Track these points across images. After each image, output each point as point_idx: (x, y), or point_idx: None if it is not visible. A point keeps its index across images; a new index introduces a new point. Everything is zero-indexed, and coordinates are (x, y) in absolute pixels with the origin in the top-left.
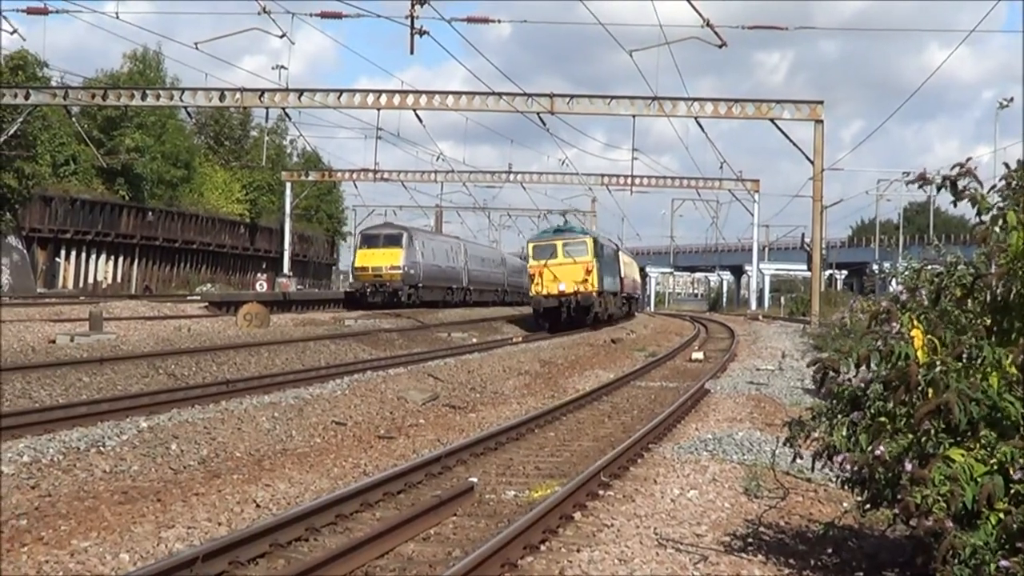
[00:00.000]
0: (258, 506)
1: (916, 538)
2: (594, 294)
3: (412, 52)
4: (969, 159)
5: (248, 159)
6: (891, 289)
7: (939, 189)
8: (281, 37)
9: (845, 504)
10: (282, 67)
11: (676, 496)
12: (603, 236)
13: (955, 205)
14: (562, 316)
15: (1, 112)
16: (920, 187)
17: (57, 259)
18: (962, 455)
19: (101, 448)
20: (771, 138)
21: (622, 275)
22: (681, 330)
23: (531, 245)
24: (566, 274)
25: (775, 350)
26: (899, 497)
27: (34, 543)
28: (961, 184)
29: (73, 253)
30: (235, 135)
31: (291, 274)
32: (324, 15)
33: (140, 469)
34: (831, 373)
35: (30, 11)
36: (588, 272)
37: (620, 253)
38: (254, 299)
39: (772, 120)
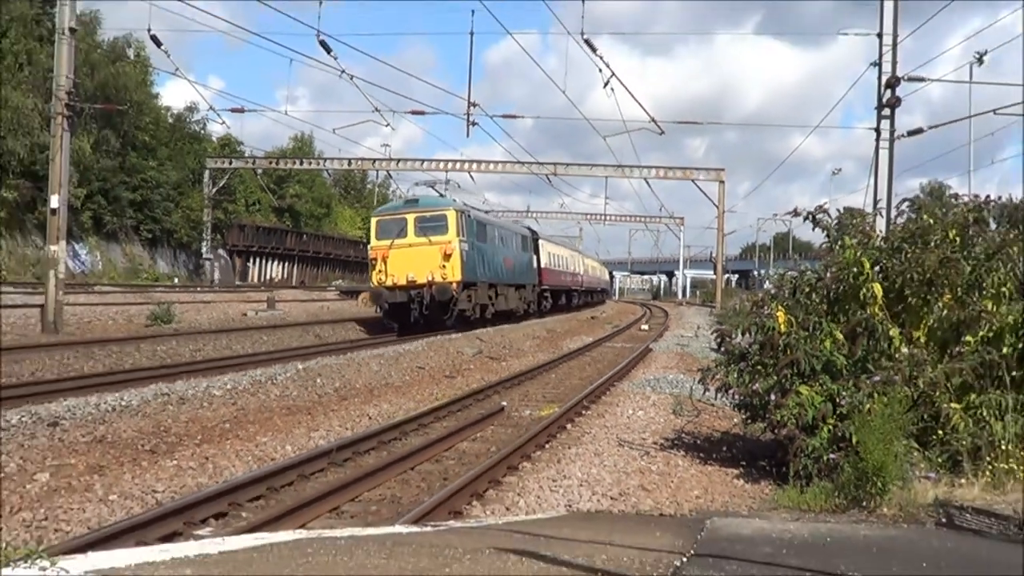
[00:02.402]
0: (370, 418)
1: (778, 441)
2: (453, 285)
3: (468, 136)
4: (826, 202)
5: (366, 202)
6: (765, 286)
7: (805, 220)
8: (386, 126)
9: (735, 420)
10: (387, 145)
11: (630, 415)
12: (486, 212)
13: (813, 230)
14: (412, 314)
15: (215, 173)
16: (793, 216)
17: (248, 264)
18: (807, 390)
19: (274, 380)
20: (693, 191)
21: (542, 266)
22: (634, 311)
23: (375, 220)
24: (418, 259)
25: (693, 324)
26: (768, 416)
27: (233, 439)
28: (818, 217)
29: (258, 260)
30: (358, 187)
31: None
32: (414, 112)
33: (298, 394)
34: (727, 338)
35: (233, 110)
36: (447, 256)
37: (543, 242)
38: (368, 290)
39: (693, 180)
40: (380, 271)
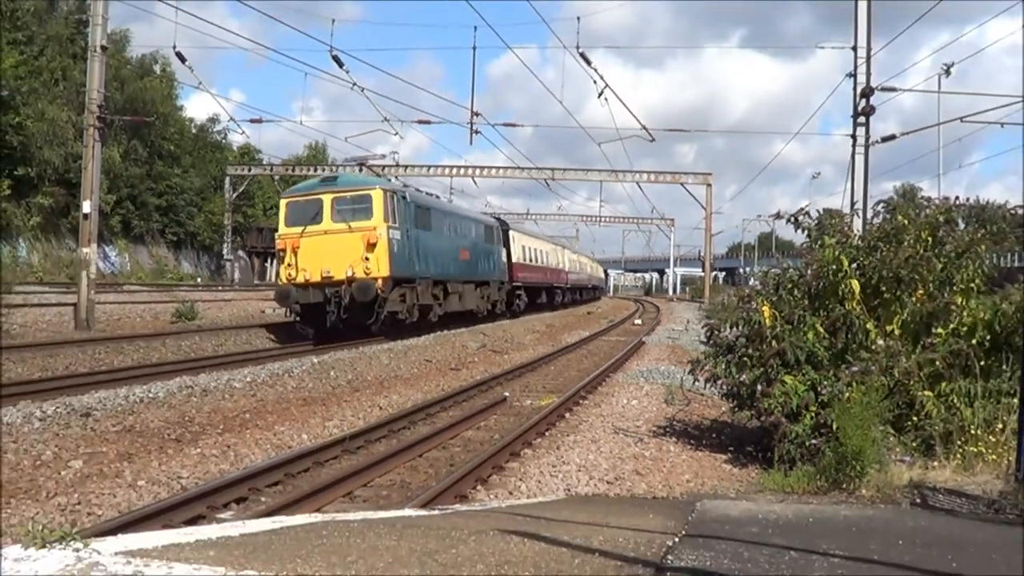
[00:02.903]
0: (381, 408)
1: (764, 428)
2: (379, 281)
3: (471, 143)
4: (808, 204)
5: None
6: (751, 283)
7: (787, 222)
8: (395, 135)
9: (723, 408)
10: (395, 152)
11: (624, 404)
12: (432, 195)
13: (795, 231)
14: (329, 318)
15: (235, 179)
16: (776, 219)
17: (266, 264)
18: (791, 379)
19: (291, 373)
20: (682, 194)
21: (514, 260)
22: (628, 306)
23: (284, 202)
24: (335, 249)
25: (683, 319)
26: (755, 404)
27: (253, 428)
28: (800, 219)
29: (275, 261)
30: None
31: None
32: (421, 122)
33: (313, 386)
34: (716, 331)
35: (252, 121)
36: (371, 246)
37: (515, 234)
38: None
39: (682, 184)
40: (289, 265)
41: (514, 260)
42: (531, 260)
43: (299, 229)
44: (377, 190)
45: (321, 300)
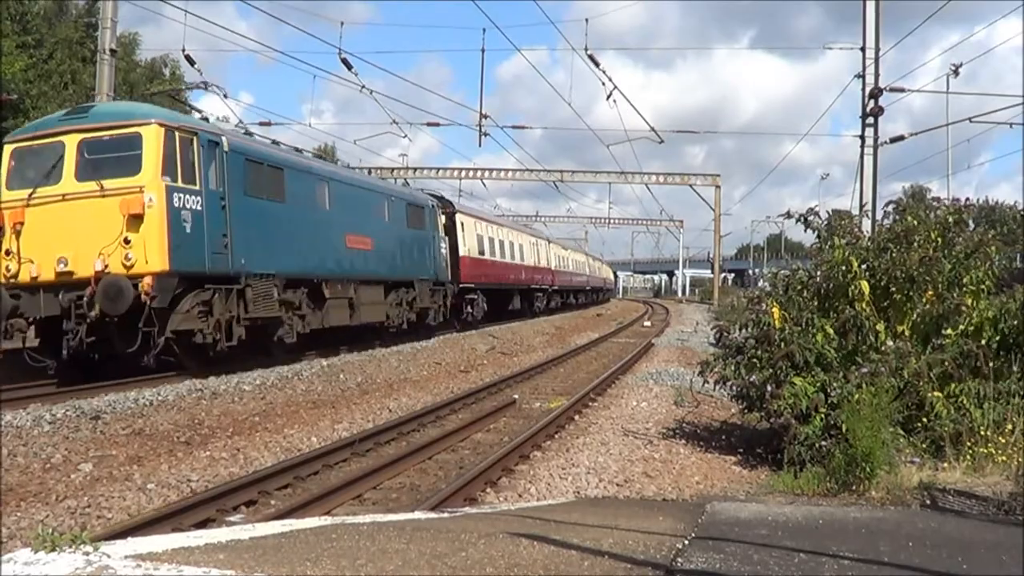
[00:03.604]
0: (390, 411)
1: (774, 429)
2: (145, 279)
3: (480, 145)
4: (816, 205)
5: None
6: (760, 284)
7: (797, 221)
8: (404, 137)
9: (732, 410)
10: (404, 155)
11: (634, 406)
12: (300, 150)
13: (805, 231)
14: (67, 342)
15: None
16: (785, 219)
17: None
18: (801, 381)
19: (300, 376)
20: (691, 196)
21: (461, 254)
22: (637, 308)
23: (11, 148)
24: (79, 225)
25: (692, 320)
26: (764, 406)
27: (262, 431)
28: (810, 219)
29: None
30: None
31: None
32: (429, 124)
33: (323, 389)
34: (725, 333)
35: (261, 123)
36: (134, 219)
37: (465, 219)
38: None
39: (691, 185)
40: (8, 252)
41: (463, 254)
42: (493, 254)
43: (25, 193)
44: (152, 126)
45: (58, 312)
